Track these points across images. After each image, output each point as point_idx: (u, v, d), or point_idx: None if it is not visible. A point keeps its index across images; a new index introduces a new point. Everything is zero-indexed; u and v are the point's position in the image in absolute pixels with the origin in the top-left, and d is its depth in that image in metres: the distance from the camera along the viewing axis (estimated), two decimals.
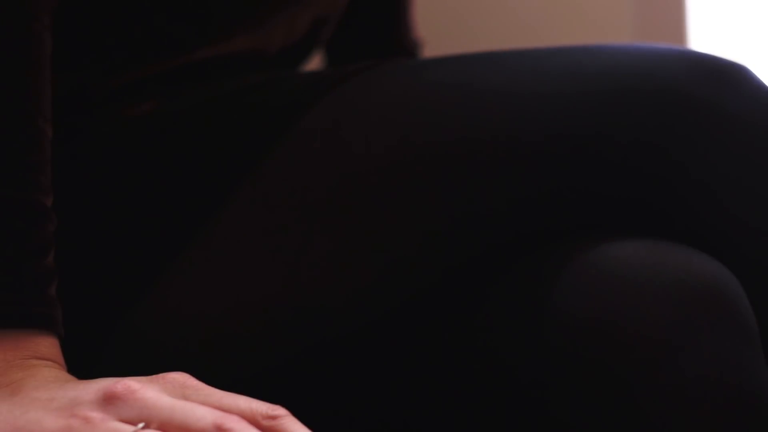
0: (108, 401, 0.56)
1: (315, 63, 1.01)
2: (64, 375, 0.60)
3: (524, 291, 0.67)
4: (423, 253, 0.68)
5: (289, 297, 0.68)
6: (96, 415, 0.55)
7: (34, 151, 0.62)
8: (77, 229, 0.68)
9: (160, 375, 0.58)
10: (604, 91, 0.67)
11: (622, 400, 0.62)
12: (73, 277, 0.66)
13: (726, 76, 0.68)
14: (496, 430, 0.68)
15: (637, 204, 0.67)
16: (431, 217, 0.67)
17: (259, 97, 0.72)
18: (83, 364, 0.63)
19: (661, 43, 1.42)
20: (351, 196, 0.67)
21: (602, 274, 0.64)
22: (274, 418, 0.56)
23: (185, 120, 0.71)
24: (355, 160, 0.68)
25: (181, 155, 0.70)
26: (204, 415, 0.55)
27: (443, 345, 0.70)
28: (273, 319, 0.68)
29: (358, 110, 0.69)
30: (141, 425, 0.55)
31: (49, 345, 0.61)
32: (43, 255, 0.61)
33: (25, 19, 0.63)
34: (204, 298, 0.68)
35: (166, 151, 0.70)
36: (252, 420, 0.55)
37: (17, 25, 0.63)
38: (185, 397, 0.57)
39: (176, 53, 0.75)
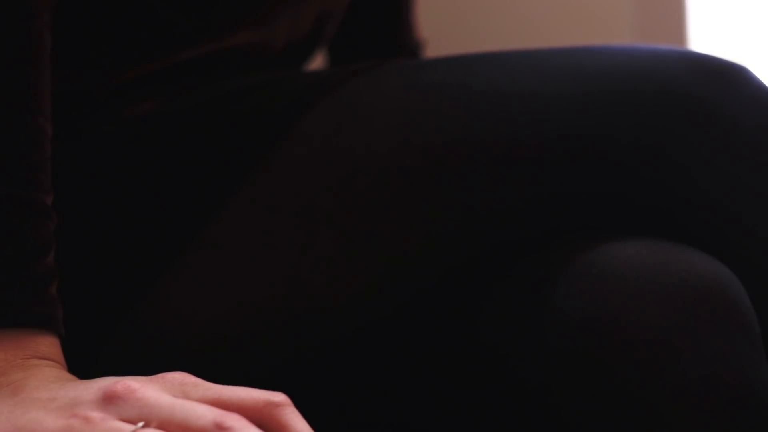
0: (108, 401, 0.56)
1: (317, 63, 1.01)
2: (65, 375, 0.60)
3: (526, 291, 0.67)
4: (424, 254, 0.68)
5: (290, 297, 0.68)
6: (96, 414, 0.55)
7: (35, 149, 0.62)
8: (78, 229, 0.68)
9: (160, 375, 0.58)
10: (604, 92, 0.67)
11: (624, 401, 0.62)
12: (73, 277, 0.66)
13: (726, 76, 0.68)
14: (497, 430, 0.68)
15: (638, 204, 0.67)
16: (432, 218, 0.67)
17: (259, 97, 0.72)
18: (84, 364, 0.63)
19: (661, 43, 1.42)
20: (352, 197, 0.67)
21: (604, 274, 0.64)
22: (276, 405, 0.55)
23: (186, 120, 0.71)
24: (355, 161, 0.68)
25: (182, 155, 0.70)
26: (204, 413, 0.55)
27: (444, 345, 0.70)
28: (274, 319, 0.68)
29: (358, 111, 0.69)
30: (141, 424, 0.55)
31: (49, 344, 0.61)
32: (44, 254, 0.61)
33: (25, 16, 0.63)
34: (204, 299, 0.68)
35: (167, 151, 0.70)
36: (253, 408, 0.55)
37: (17, 23, 0.62)
38: (184, 394, 0.56)
39: (179, 48, 0.75)
